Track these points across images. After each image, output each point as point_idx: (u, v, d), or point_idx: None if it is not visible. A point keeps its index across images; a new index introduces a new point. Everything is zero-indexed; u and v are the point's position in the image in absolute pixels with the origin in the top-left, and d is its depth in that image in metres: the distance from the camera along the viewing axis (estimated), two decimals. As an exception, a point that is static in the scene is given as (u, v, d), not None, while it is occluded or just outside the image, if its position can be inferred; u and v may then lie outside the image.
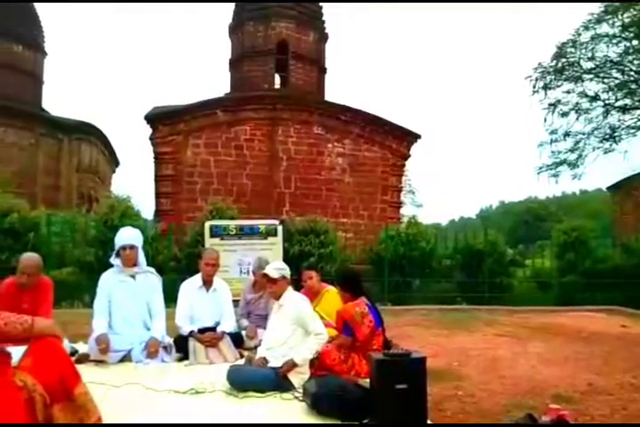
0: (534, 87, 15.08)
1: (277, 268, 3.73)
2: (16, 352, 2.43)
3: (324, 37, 15.10)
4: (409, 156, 13.74)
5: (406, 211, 22.37)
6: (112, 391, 3.30)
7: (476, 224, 46.57)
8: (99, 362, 4.04)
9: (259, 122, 12.67)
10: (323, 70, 15.13)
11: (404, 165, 13.84)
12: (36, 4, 19.26)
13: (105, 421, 2.52)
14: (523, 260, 12.12)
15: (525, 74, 15.21)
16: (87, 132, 19.88)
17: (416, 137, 13.67)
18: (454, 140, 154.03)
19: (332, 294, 4.44)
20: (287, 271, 3.74)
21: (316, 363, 3.50)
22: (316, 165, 12.86)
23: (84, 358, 4.02)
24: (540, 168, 15.92)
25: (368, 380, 2.95)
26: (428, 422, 2.80)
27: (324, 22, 15.17)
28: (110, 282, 4.33)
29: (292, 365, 3.35)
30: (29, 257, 4.27)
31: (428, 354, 3.13)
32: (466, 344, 5.23)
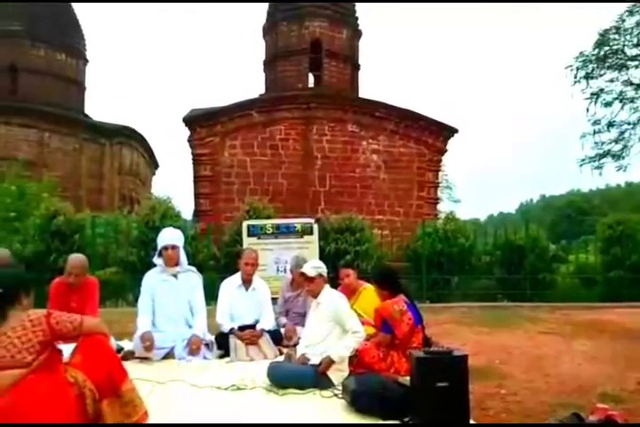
0: (575, 77, 14.55)
1: (314, 266, 3.74)
2: (65, 350, 2.54)
3: (357, 34, 15.04)
4: (446, 150, 13.54)
5: (443, 207, 22.07)
6: (157, 387, 3.39)
7: (515, 219, 45.41)
8: (143, 359, 4.16)
9: (293, 121, 12.75)
10: (356, 67, 15.07)
11: (440, 160, 13.65)
12: (78, 12, 19.96)
13: (150, 416, 2.61)
14: (566, 255, 11.73)
15: (566, 64, 14.72)
16: (128, 136, 20.46)
17: (453, 131, 13.45)
18: (493, 133, 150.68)
19: (369, 292, 4.43)
20: (324, 270, 3.75)
21: (355, 361, 3.50)
22: (351, 162, 12.84)
23: (129, 356, 4.15)
24: (583, 160, 15.32)
25: (408, 378, 2.94)
26: (471, 421, 2.77)
27: (357, 19, 15.11)
28: (153, 281, 4.45)
29: (329, 362, 3.37)
30: (76, 258, 4.44)
31: (469, 352, 3.09)
32: (508, 342, 5.12)
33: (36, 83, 18.00)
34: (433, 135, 13.27)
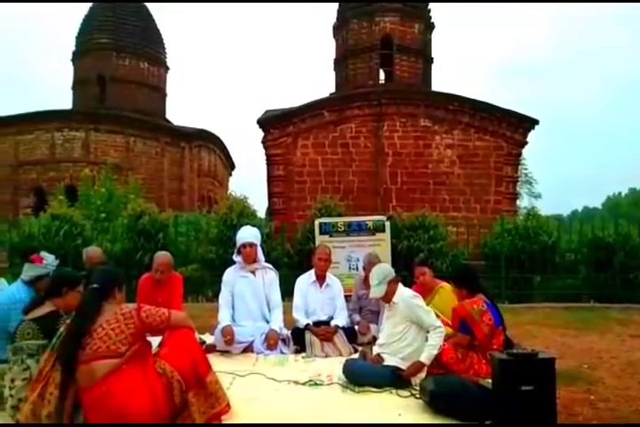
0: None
1: (379, 282, 3.54)
2: (152, 342, 2.69)
3: (429, 27, 14.73)
4: (525, 143, 12.90)
5: (523, 203, 21.08)
6: (237, 380, 3.52)
7: (602, 214, 42.43)
8: (224, 352, 4.31)
9: (364, 119, 12.70)
10: (429, 60, 14.76)
11: (519, 154, 13.04)
12: (158, 21, 21.07)
13: (232, 408, 2.71)
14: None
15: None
16: (206, 139, 21.36)
17: (533, 123, 12.78)
18: (575, 124, 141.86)
19: (446, 291, 4.32)
20: (390, 274, 3.58)
21: (433, 361, 3.43)
22: (424, 158, 12.59)
23: (211, 349, 4.32)
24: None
25: (489, 380, 2.84)
26: (558, 427, 2.63)
27: (429, 11, 14.80)
28: (232, 277, 4.61)
29: (419, 365, 3.31)
30: (163, 255, 4.71)
31: (553, 355, 2.93)
32: (597, 345, 4.82)
33: (121, 91, 19.25)
34: (511, 127, 12.70)
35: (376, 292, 3.56)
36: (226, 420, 2.66)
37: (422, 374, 3.35)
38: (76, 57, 19.93)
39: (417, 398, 3.09)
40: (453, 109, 12.62)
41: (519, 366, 2.58)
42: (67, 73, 21.17)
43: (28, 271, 3.66)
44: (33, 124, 17.79)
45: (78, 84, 19.79)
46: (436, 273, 4.81)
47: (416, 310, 3.44)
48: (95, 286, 2.55)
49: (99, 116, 18.28)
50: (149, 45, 20.18)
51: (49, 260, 3.70)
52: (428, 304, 3.99)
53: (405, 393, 3.20)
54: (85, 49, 19.47)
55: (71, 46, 20.15)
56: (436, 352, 3.31)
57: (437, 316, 4.14)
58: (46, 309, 2.85)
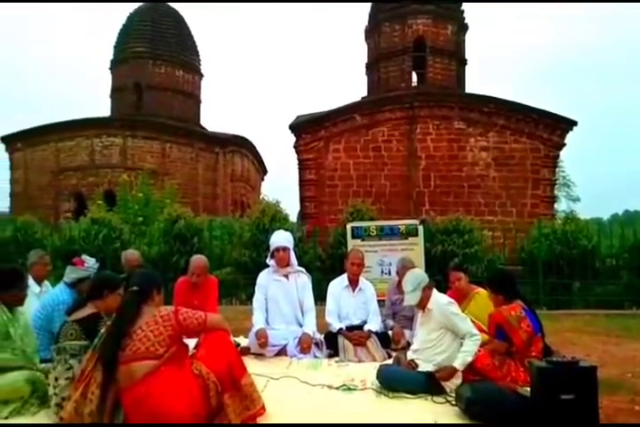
0: None
1: (414, 289, 3.48)
2: (188, 344, 2.74)
3: (463, 28, 14.58)
4: (563, 145, 12.59)
5: (561, 206, 20.52)
6: (271, 383, 3.53)
7: (646, 218, 40.82)
8: (258, 355, 4.34)
9: (396, 122, 12.65)
10: (463, 62, 14.60)
11: (557, 156, 12.72)
12: (193, 29, 21.53)
13: (266, 410, 2.72)
14: None
15: None
16: (239, 145, 21.66)
17: (571, 124, 12.46)
18: (617, 125, 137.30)
19: (482, 297, 4.24)
20: (424, 280, 3.51)
21: (468, 367, 3.37)
22: (457, 161, 12.43)
23: (245, 351, 4.35)
24: None
25: (527, 388, 2.77)
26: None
27: (463, 12, 14.64)
28: (266, 281, 4.65)
29: (452, 370, 3.26)
30: (198, 259, 4.80)
31: (595, 363, 2.84)
32: (641, 354, 4.63)
33: (157, 98, 19.74)
34: (548, 129, 12.41)
35: (410, 299, 3.51)
36: (260, 422, 2.67)
37: (457, 381, 3.29)
38: (114, 66, 20.56)
39: (452, 404, 3.04)
40: (488, 111, 12.43)
41: (559, 374, 2.51)
42: (106, 81, 21.80)
43: (71, 274, 3.79)
44: (73, 132, 18.40)
45: (116, 92, 20.39)
46: (472, 278, 4.73)
47: (452, 318, 3.38)
48: (135, 288, 2.62)
49: (136, 122, 18.78)
50: (184, 53, 20.63)
51: (90, 263, 3.82)
52: (463, 310, 3.92)
53: (440, 400, 3.16)
54: (123, 58, 20.06)
55: (109, 55, 20.84)
56: (470, 359, 3.26)
57: (473, 322, 4.08)
58: (88, 310, 2.94)
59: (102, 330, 2.66)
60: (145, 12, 20.40)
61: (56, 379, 2.77)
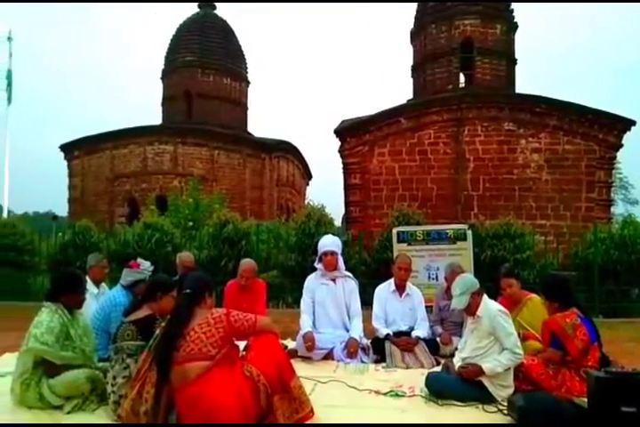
0: None
1: (462, 292, 3.41)
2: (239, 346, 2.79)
3: (512, 27, 14.24)
4: (620, 146, 12.05)
5: (618, 209, 19.62)
6: (319, 386, 3.55)
7: None
8: (305, 358, 4.37)
9: (443, 124, 12.47)
10: (512, 62, 14.25)
11: (614, 157, 12.19)
12: (240, 36, 22.05)
13: (315, 414, 2.74)
14: None
15: None
16: (284, 150, 21.96)
17: (629, 124, 11.91)
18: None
19: (535, 304, 4.10)
20: (473, 285, 3.44)
21: (521, 376, 3.27)
22: (508, 163, 12.12)
23: (292, 354, 4.38)
24: None
25: (584, 399, 2.66)
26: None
27: (512, 11, 14.31)
28: (313, 284, 4.68)
29: (478, 370, 3.19)
30: (248, 263, 4.91)
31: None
32: None
33: (206, 106, 20.29)
34: (604, 129, 11.92)
35: (458, 302, 3.44)
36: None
37: (510, 390, 3.20)
38: (165, 75, 21.31)
39: (504, 414, 2.96)
40: (540, 112, 12.07)
41: (619, 385, 2.41)
42: (157, 91, 22.60)
43: (127, 276, 3.95)
44: (127, 140, 19.17)
45: (167, 101, 21.12)
46: (523, 285, 4.59)
47: (498, 329, 3.26)
48: (188, 291, 2.70)
49: (186, 130, 19.36)
50: (231, 61, 21.14)
51: (145, 266, 3.97)
52: (515, 317, 3.82)
53: (492, 409, 3.07)
54: (173, 67, 20.76)
55: (160, 65, 21.61)
56: (500, 370, 3.15)
57: (525, 329, 3.95)
58: (144, 312, 3.05)
59: (157, 331, 2.75)
60: (194, 22, 21.07)
61: (114, 377, 2.89)
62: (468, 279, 3.51)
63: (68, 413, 2.91)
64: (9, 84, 17.22)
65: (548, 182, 11.92)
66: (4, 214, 16.33)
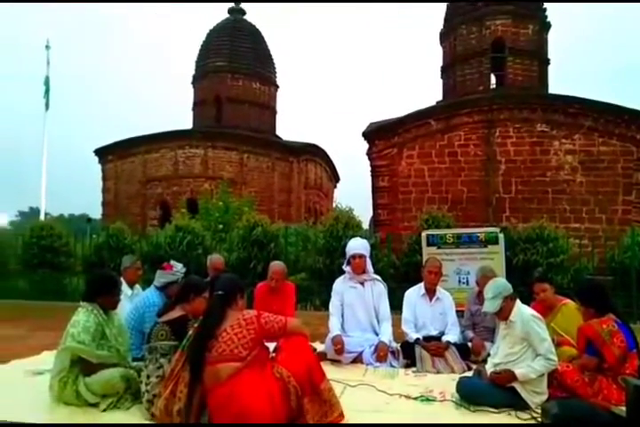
0: None
1: (494, 296, 3.35)
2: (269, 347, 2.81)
3: (545, 27, 13.97)
4: (658, 146, 11.65)
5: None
6: (348, 390, 3.54)
7: None
8: (334, 361, 4.37)
9: (473, 126, 12.30)
10: (545, 62, 13.97)
11: (652, 159, 11.79)
12: (268, 40, 22.25)
13: (345, 417, 2.73)
14: None
15: None
16: (313, 153, 22.03)
17: (668, 123, 11.51)
18: None
19: (569, 309, 4.00)
20: (506, 289, 3.38)
21: (555, 383, 3.19)
22: (540, 165, 11.86)
23: (321, 357, 4.38)
24: None
25: (622, 408, 2.58)
26: None
27: (545, 10, 14.04)
28: (342, 287, 4.68)
29: (510, 376, 3.14)
30: (277, 265, 4.94)
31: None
32: None
33: (236, 110, 20.55)
34: (641, 129, 11.54)
35: (489, 306, 3.39)
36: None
37: (543, 397, 3.13)
38: (196, 80, 21.66)
39: (538, 421, 2.90)
40: (573, 112, 11.78)
41: (660, 394, 2.32)
42: (188, 95, 23.00)
43: (160, 278, 4.03)
44: (159, 144, 19.55)
45: (197, 105, 21.46)
46: (557, 290, 4.48)
47: (531, 335, 3.20)
48: (220, 293, 2.74)
49: (215, 134, 19.63)
50: (261, 66, 21.35)
51: (178, 267, 4.05)
52: (549, 322, 3.73)
53: (525, 416, 3.02)
54: (203, 72, 21.09)
55: (191, 71, 22.00)
56: (533, 376, 3.10)
57: (559, 335, 3.86)
58: (177, 313, 3.10)
59: (190, 331, 2.80)
60: (223, 28, 21.37)
61: (148, 377, 2.95)
62: (500, 283, 3.45)
63: (104, 410, 2.99)
64: (47, 91, 17.77)
65: (582, 184, 11.61)
66: (42, 217, 16.84)
